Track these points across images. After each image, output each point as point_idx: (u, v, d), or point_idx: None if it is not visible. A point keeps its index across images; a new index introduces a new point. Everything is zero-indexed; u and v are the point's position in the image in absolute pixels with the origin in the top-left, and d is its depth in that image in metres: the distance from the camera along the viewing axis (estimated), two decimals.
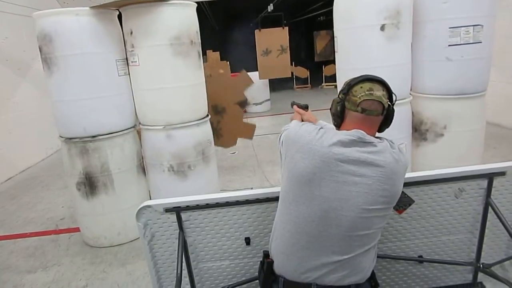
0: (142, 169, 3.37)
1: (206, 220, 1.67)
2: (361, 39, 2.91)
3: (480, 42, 2.90)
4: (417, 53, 3.09)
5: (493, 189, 1.69)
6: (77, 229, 3.47)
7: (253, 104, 8.81)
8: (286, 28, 7.13)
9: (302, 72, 11.91)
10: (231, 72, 6.89)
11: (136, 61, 2.97)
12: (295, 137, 1.30)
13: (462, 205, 1.72)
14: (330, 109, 1.38)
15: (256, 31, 7.18)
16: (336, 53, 3.22)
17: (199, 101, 3.22)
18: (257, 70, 7.54)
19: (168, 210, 1.62)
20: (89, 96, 2.94)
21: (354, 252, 1.24)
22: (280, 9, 8.25)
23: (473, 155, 3.16)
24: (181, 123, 3.05)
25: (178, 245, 1.62)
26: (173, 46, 2.91)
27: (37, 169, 5.88)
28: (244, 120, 4.39)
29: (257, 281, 1.55)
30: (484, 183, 1.68)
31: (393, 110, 1.32)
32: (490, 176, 1.67)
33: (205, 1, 7.77)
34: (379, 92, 1.26)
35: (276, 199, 1.46)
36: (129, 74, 3.13)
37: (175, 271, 1.55)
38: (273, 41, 7.12)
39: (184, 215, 1.65)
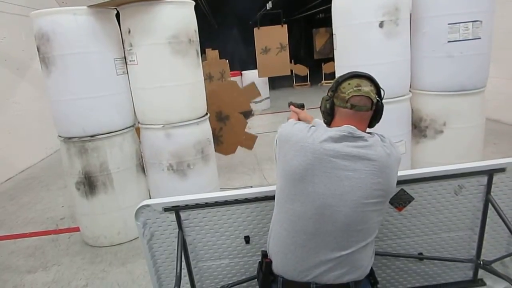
0: (142, 168, 3.37)
1: (205, 219, 1.67)
2: (360, 36, 2.90)
3: (479, 38, 2.89)
4: (416, 50, 3.08)
5: (493, 186, 1.68)
6: (77, 229, 3.47)
7: (253, 102, 8.80)
8: (285, 26, 7.10)
9: (302, 70, 11.91)
10: (230, 71, 6.87)
11: (134, 60, 2.96)
12: (287, 136, 1.32)
13: (462, 202, 1.72)
14: (320, 107, 1.39)
15: (255, 29, 7.15)
16: (335, 51, 3.22)
17: (198, 100, 3.21)
18: (256, 68, 7.53)
19: (167, 209, 1.62)
20: (88, 96, 2.94)
21: (352, 248, 1.24)
22: (279, 7, 8.22)
23: (473, 152, 3.16)
24: (180, 121, 3.04)
25: (177, 244, 1.62)
26: (172, 45, 2.90)
27: (37, 169, 5.88)
28: (246, 130, 4.38)
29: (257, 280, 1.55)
30: (484, 179, 1.68)
31: (382, 105, 1.34)
32: (490, 173, 1.66)
33: None
34: (367, 88, 1.28)
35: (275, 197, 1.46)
36: (127, 73, 3.12)
37: (175, 270, 1.54)
38: (272, 39, 7.09)
39: (183, 214, 1.64)
